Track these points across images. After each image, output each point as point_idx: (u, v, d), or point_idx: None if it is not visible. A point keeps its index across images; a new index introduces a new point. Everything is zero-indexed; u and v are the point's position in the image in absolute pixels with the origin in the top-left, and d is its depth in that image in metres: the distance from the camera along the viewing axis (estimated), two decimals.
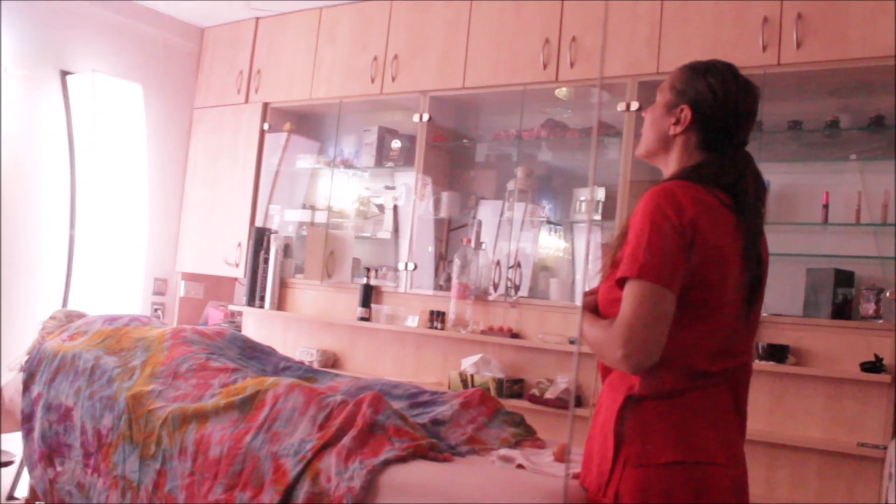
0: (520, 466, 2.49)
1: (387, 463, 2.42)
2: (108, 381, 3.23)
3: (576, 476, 2.20)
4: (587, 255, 4.16)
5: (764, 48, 3.68)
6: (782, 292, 3.69)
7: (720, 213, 2.03)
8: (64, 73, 5.11)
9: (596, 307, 2.15)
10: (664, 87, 2.23)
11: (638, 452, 2.00)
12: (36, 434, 3.37)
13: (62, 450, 3.27)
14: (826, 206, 3.71)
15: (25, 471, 3.80)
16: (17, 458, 4.41)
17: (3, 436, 4.00)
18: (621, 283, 1.98)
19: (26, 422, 3.45)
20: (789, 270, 3.70)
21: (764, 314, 2.22)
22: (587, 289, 2.25)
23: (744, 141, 2.18)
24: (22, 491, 4.50)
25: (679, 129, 2.16)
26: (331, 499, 2.39)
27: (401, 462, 2.44)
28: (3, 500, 4.87)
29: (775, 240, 2.30)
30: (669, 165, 2.20)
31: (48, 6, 5.00)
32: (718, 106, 2.12)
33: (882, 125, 3.60)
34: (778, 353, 3.54)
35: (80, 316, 4.00)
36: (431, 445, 2.57)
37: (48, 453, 3.31)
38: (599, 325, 2.06)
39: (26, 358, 3.67)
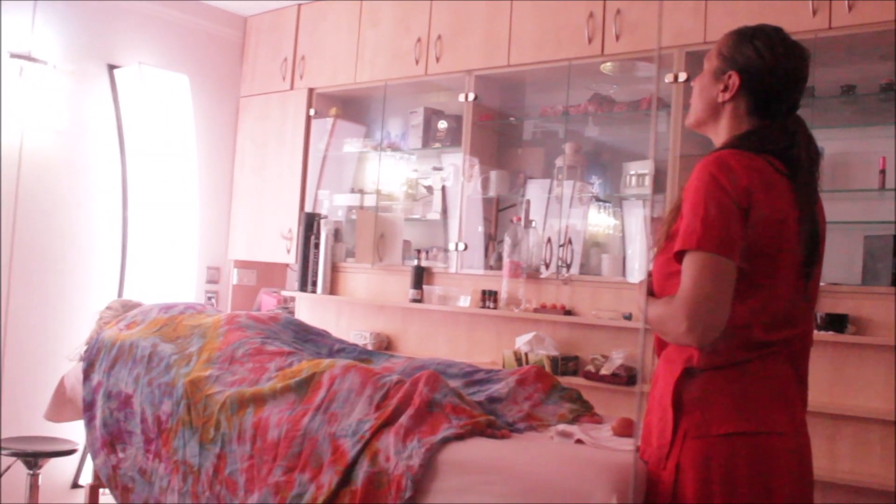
0: (579, 442, 2.48)
1: (445, 441, 2.42)
2: (165, 367, 3.27)
3: (636, 450, 2.18)
4: (647, 230, 4.11)
5: (814, 12, 3.61)
6: (840, 261, 3.63)
7: (774, 180, 2.01)
8: (111, 67, 5.16)
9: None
10: (711, 55, 2.21)
11: (698, 424, 1.99)
12: (97, 421, 3.43)
13: (123, 436, 3.32)
14: (883, 172, 3.63)
15: (89, 459, 3.86)
16: (81, 447, 4.49)
17: (66, 424, 4.06)
18: (679, 256, 1.96)
19: (88, 410, 3.51)
20: (846, 239, 3.64)
21: (822, 284, 2.18)
22: (646, 264, 2.23)
23: (794, 105, 2.15)
24: (86, 478, 4.58)
25: (728, 95, 2.14)
26: (390, 478, 2.39)
27: (459, 440, 2.44)
28: (69, 489, 4.97)
29: (831, 208, 2.26)
30: (720, 134, 2.18)
31: (92, 3, 5.05)
32: (767, 70, 2.09)
33: None
34: (837, 322, 3.49)
35: (136, 305, 4.05)
36: (489, 422, 2.56)
37: (110, 440, 3.37)
38: (660, 303, 2.03)
39: (85, 348, 3.73)
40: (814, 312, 2.18)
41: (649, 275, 2.18)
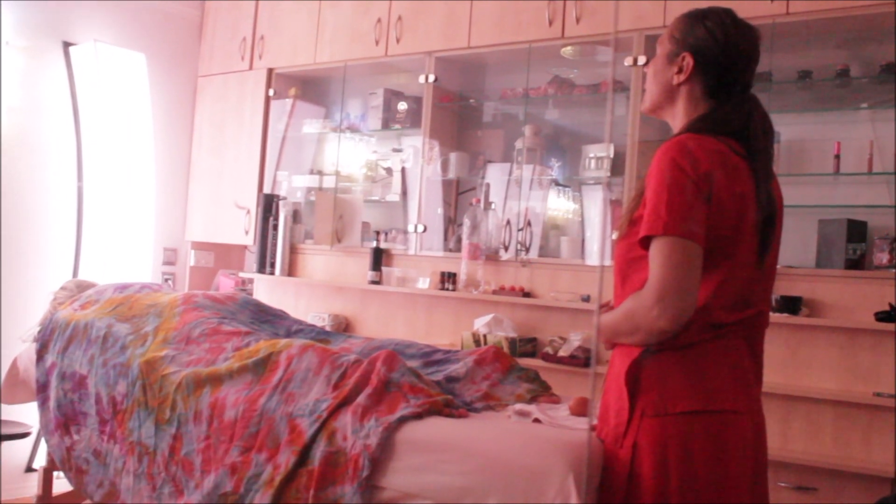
0: (536, 421, 2.49)
1: (403, 420, 2.42)
2: (121, 347, 3.24)
3: (592, 428, 2.19)
4: (605, 213, 4.13)
5: None
6: (795, 244, 3.66)
7: (733, 162, 2.02)
8: (66, 44, 5.07)
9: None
10: (664, 39, 2.23)
11: (655, 402, 2.00)
12: (51, 403, 3.38)
13: (78, 418, 3.28)
14: (837, 157, 3.67)
15: (44, 442, 3.81)
16: (35, 430, 4.43)
17: (20, 407, 4.01)
18: (645, 242, 1.97)
19: (41, 391, 3.46)
20: (801, 222, 3.68)
21: (778, 266, 2.20)
22: (602, 249, 2.25)
23: (748, 84, 2.16)
24: (41, 462, 4.52)
25: (682, 77, 2.15)
26: (347, 457, 2.39)
27: (417, 419, 2.44)
28: (23, 473, 4.90)
29: (787, 191, 2.28)
30: (676, 117, 2.19)
31: None
32: (719, 49, 2.11)
33: (893, 73, 3.56)
34: (791, 304, 3.53)
35: (91, 286, 4.00)
36: (447, 402, 2.57)
37: (64, 422, 3.32)
38: (622, 305, 2.05)
39: (39, 328, 3.67)
40: (770, 293, 2.20)
41: (602, 305, 2.20)
